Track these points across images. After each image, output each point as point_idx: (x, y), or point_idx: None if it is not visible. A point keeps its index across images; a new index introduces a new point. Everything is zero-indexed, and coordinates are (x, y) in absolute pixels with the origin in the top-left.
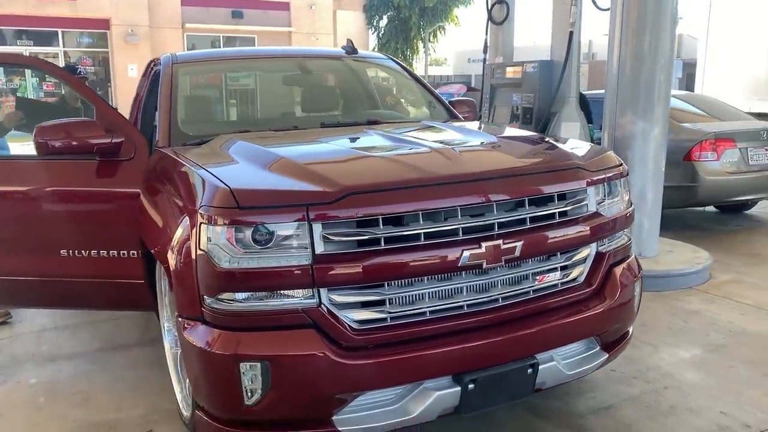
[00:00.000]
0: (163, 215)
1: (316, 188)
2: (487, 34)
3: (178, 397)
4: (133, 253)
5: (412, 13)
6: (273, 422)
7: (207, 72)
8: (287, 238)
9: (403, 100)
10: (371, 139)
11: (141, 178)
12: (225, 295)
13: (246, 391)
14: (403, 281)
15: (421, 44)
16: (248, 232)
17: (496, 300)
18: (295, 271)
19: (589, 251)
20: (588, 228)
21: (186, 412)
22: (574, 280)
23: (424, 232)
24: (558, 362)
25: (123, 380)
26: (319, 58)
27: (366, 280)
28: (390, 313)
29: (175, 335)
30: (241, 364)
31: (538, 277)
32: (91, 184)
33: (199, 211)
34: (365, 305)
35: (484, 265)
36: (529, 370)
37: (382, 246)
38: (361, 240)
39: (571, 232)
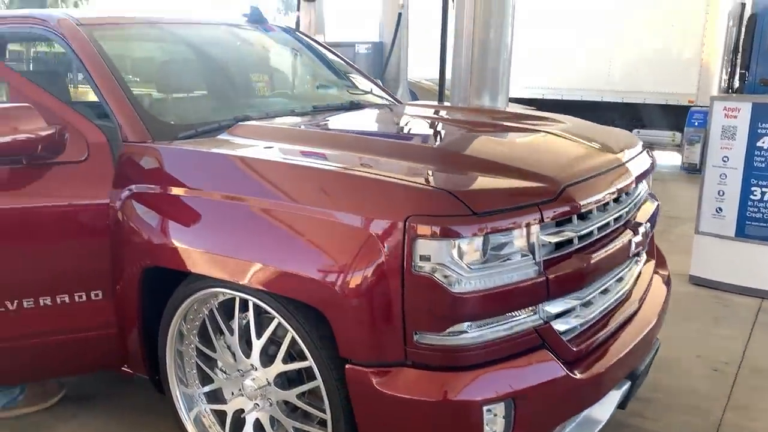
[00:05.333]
0: (265, 234)
1: (538, 184)
2: (298, 10)
3: None
4: (97, 294)
5: None
6: None
7: (126, 41)
8: (518, 245)
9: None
10: (449, 128)
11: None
12: (454, 327)
13: None
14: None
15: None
16: (481, 244)
17: (627, 288)
18: (529, 285)
19: None
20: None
21: None
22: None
23: (605, 224)
24: None
25: None
26: (239, 28)
27: (584, 282)
28: (580, 317)
29: (198, 402)
30: (485, 409)
31: (639, 258)
32: (23, 198)
33: (409, 222)
34: (565, 314)
35: (641, 252)
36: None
37: (585, 243)
38: (571, 239)
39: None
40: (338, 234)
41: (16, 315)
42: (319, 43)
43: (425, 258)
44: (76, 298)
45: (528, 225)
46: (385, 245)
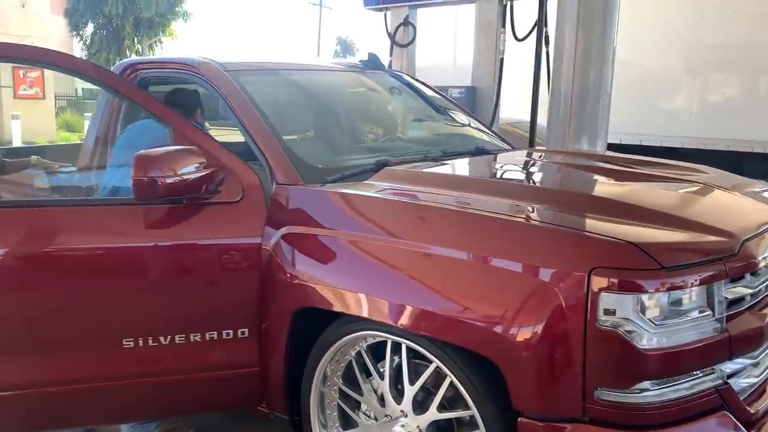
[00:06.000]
0: (433, 280)
1: (719, 239)
2: (391, 56)
3: None
4: (243, 332)
5: (125, 23)
6: None
7: (270, 86)
8: (701, 302)
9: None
10: (598, 176)
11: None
12: (638, 384)
13: None
14: None
15: (135, 56)
16: (667, 299)
17: None
18: (713, 343)
19: None
20: None
21: None
22: None
23: None
24: None
25: None
26: (365, 74)
27: (762, 341)
28: (751, 378)
29: None
30: None
31: None
32: (179, 237)
33: (593, 275)
34: (737, 374)
35: None
36: None
37: (755, 300)
38: (744, 296)
39: None
40: (516, 284)
41: (168, 350)
42: (432, 89)
43: (609, 312)
44: (224, 335)
45: (712, 281)
46: (567, 297)
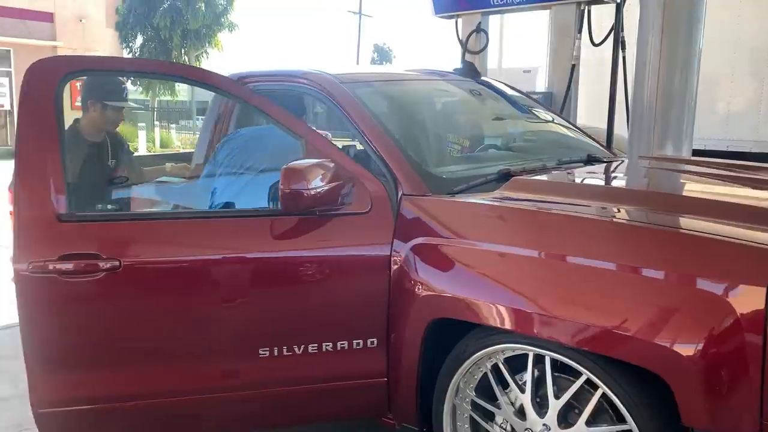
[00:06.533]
0: (590, 293)
1: None
2: (463, 61)
3: None
4: (372, 342)
5: (173, 34)
6: None
7: (381, 97)
8: None
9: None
10: (732, 184)
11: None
12: None
13: None
14: None
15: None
16: None
17: None
18: None
19: None
20: None
21: None
22: None
23: None
24: None
25: None
26: (458, 80)
27: None
28: None
29: None
30: None
31: None
32: (316, 247)
33: None
34: None
35: None
36: None
37: None
38: None
39: None
40: (688, 298)
41: (300, 360)
42: (525, 95)
43: None
44: (354, 345)
45: None
46: (744, 311)
